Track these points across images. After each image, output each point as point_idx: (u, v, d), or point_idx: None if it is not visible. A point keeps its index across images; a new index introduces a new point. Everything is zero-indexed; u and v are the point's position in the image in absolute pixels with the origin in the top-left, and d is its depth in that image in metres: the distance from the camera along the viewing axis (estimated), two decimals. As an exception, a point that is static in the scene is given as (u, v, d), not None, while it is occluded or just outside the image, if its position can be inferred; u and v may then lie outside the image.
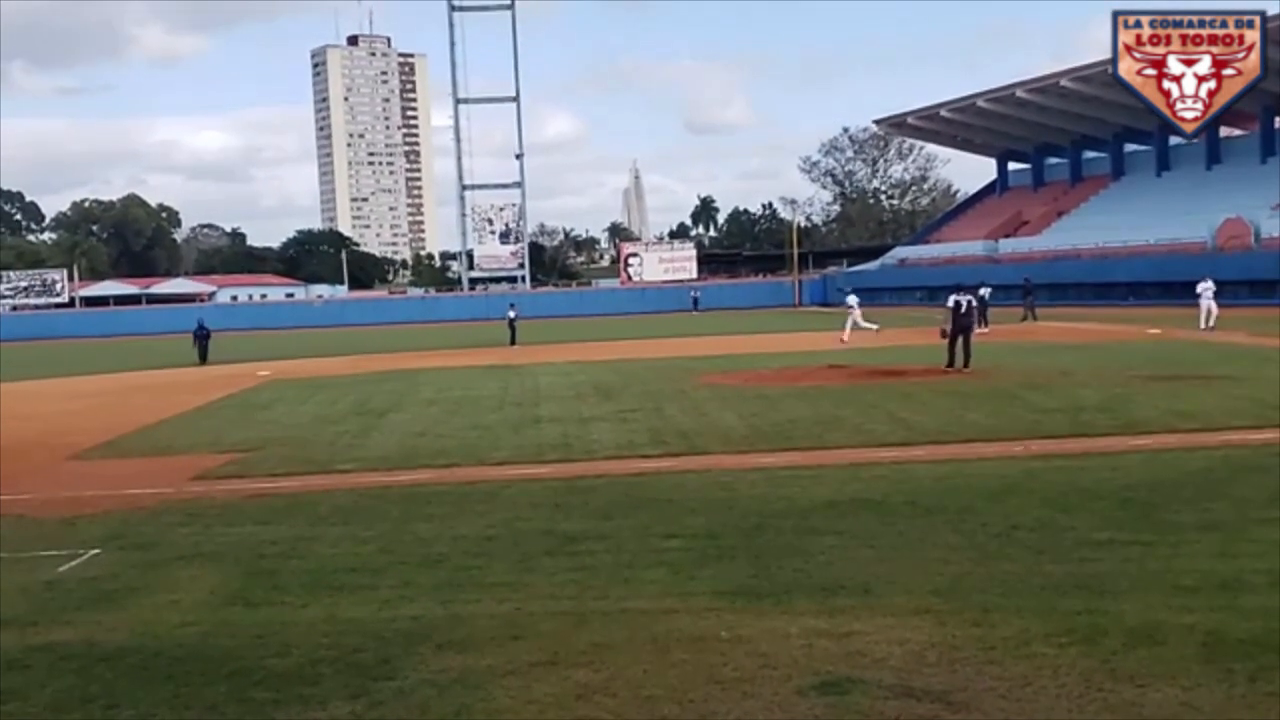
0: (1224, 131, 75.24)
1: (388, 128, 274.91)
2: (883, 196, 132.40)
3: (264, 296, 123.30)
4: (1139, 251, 67.30)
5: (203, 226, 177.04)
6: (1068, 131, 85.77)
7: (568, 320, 76.11)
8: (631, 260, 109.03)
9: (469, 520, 12.18)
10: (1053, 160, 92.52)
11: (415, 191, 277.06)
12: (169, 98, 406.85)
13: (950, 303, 27.95)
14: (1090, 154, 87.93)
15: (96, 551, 11.35)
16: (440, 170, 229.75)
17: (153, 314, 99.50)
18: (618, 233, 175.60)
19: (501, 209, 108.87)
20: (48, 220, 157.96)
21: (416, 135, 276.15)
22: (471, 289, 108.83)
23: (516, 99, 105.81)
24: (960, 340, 27.50)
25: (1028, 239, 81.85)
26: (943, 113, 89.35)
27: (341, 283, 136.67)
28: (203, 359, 43.24)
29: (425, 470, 15.80)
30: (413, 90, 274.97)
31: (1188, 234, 65.22)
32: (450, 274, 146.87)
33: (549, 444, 17.84)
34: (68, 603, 9.53)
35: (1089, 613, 7.98)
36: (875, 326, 42.55)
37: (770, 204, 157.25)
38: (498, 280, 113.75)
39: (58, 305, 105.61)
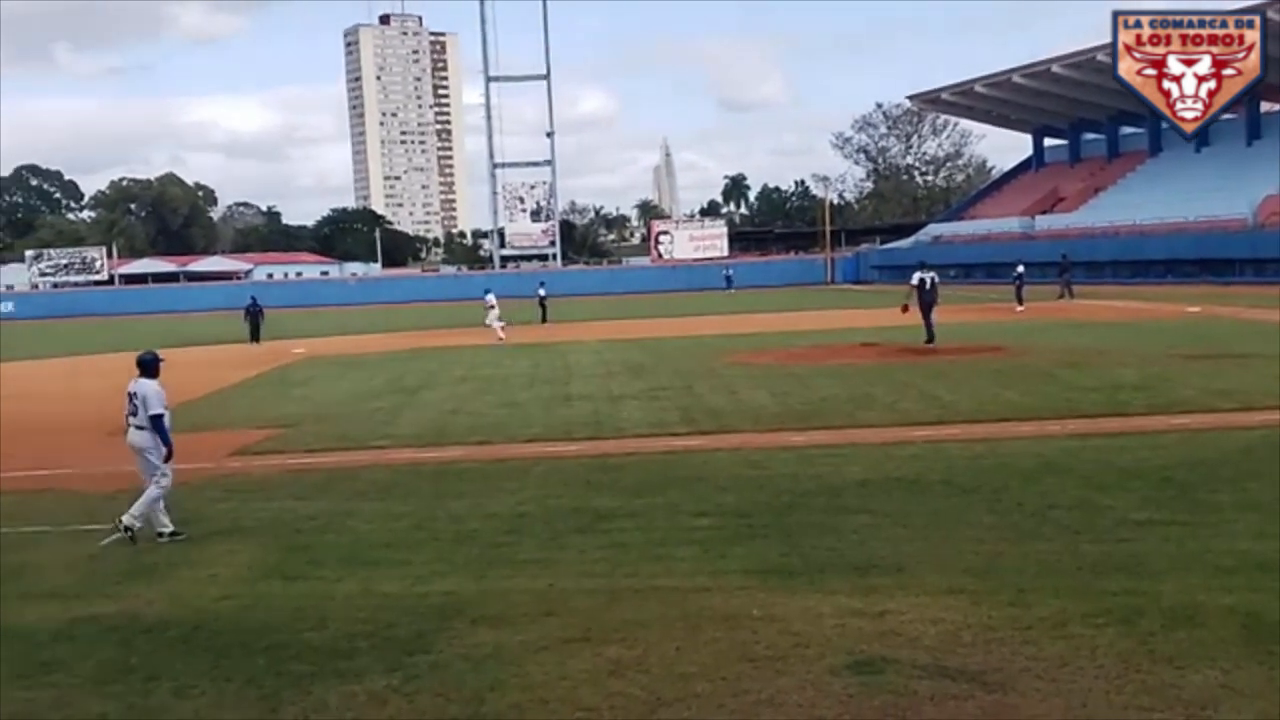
0: (1265, 107, 74.16)
1: (420, 106, 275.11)
2: (916, 173, 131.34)
3: (299, 275, 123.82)
4: (1177, 228, 66.51)
5: (239, 205, 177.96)
6: (1105, 107, 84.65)
7: (598, 298, 76.09)
8: (662, 238, 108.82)
9: (501, 497, 12.24)
10: (1090, 136, 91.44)
11: (447, 170, 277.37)
12: (207, 77, 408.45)
13: (914, 280, 29.43)
14: (1128, 130, 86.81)
15: (138, 526, 11.47)
16: (472, 148, 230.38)
17: (190, 292, 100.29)
18: (648, 211, 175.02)
19: (533, 187, 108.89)
20: (86, 199, 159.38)
21: (448, 114, 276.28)
22: (503, 267, 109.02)
23: (547, 76, 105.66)
24: (924, 315, 28.70)
25: (1064, 216, 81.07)
26: (977, 88, 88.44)
27: (375, 261, 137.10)
28: (254, 337, 42.09)
29: (457, 447, 15.88)
30: (444, 69, 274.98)
31: (1227, 211, 64.40)
32: (482, 252, 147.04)
33: (580, 422, 17.87)
34: (109, 576, 9.67)
35: (1127, 593, 7.94)
36: (501, 325, 39.63)
37: (802, 181, 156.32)
38: (529, 258, 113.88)
39: (97, 283, 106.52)
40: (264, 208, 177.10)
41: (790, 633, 7.41)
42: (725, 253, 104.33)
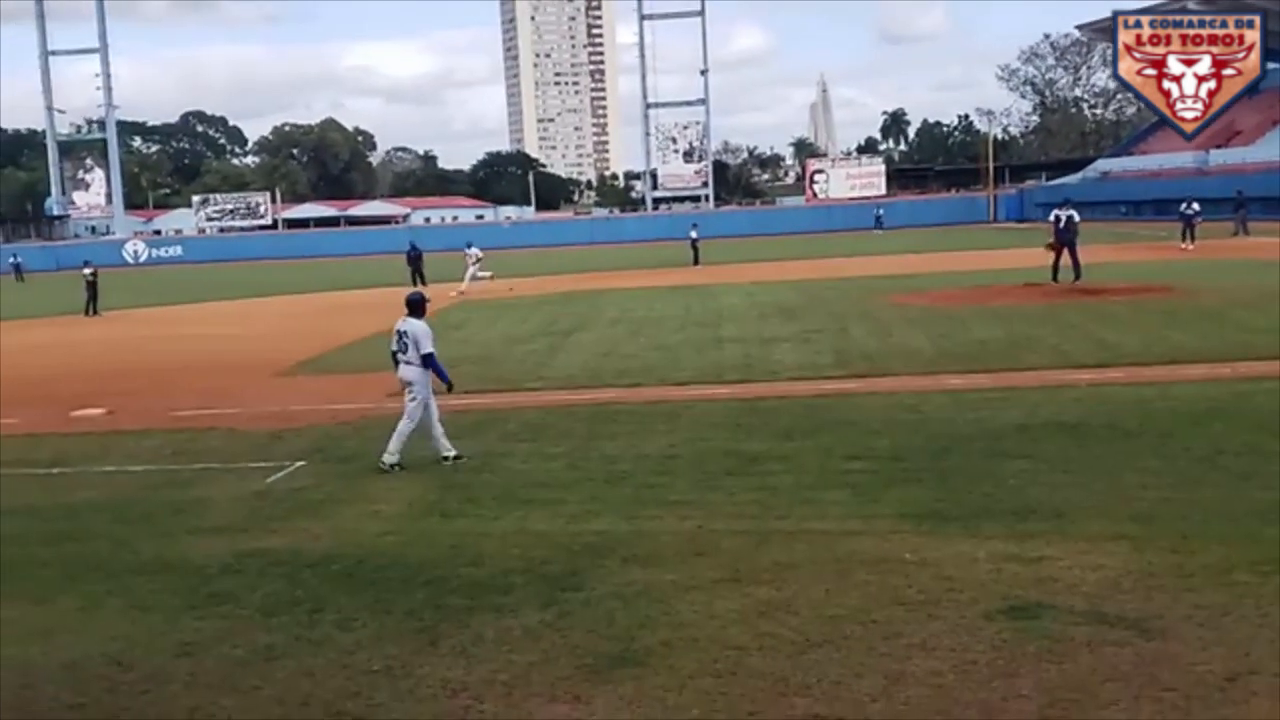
0: None
1: (573, 47, 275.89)
2: (1085, 106, 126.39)
3: (455, 218, 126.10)
4: (1365, 161, 62.74)
5: (397, 149, 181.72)
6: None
7: (751, 239, 75.60)
8: (817, 177, 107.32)
9: (652, 439, 12.32)
10: (1271, 65, 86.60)
11: (600, 111, 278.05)
12: (366, 23, 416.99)
13: (1051, 217, 29.07)
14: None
15: (302, 463, 11.93)
16: (625, 89, 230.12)
17: (351, 236, 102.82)
18: (804, 149, 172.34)
19: (685, 127, 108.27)
20: (250, 144, 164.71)
21: (602, 54, 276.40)
22: (655, 209, 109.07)
23: (701, 13, 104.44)
24: (1068, 253, 27.98)
25: (1240, 149, 77.04)
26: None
27: (529, 204, 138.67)
28: (418, 280, 41.10)
29: (610, 389, 16.02)
30: (598, 8, 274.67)
31: None
32: (634, 194, 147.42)
33: (731, 364, 17.84)
34: (275, 512, 10.06)
35: (1296, 541, 7.60)
36: (489, 275, 39.57)
37: (965, 116, 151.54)
38: (681, 200, 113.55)
39: (261, 227, 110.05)
40: (421, 152, 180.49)
41: (943, 577, 7.31)
42: (883, 191, 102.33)
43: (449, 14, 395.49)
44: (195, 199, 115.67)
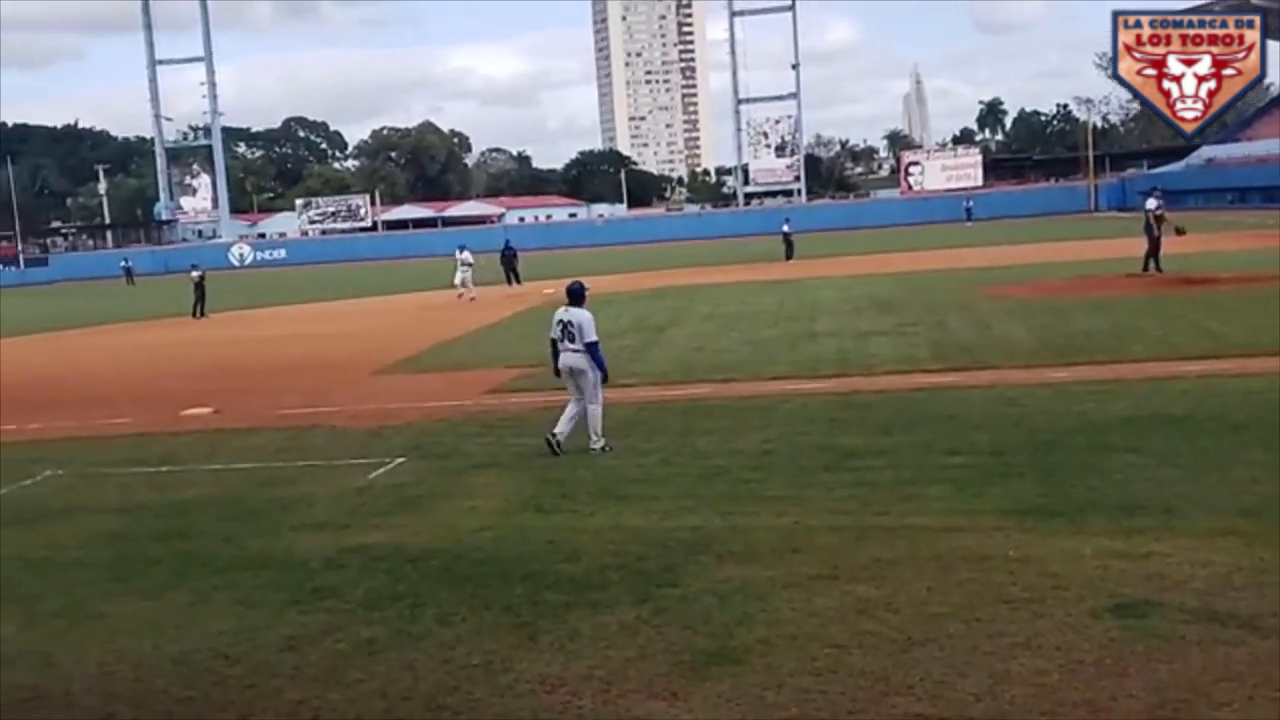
0: None
1: (664, 45, 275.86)
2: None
3: (549, 217, 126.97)
4: None
5: (492, 150, 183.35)
6: (1405, 11, 77.10)
7: (844, 233, 74.92)
8: (912, 169, 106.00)
9: (747, 434, 12.26)
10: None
11: (691, 108, 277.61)
12: (463, 27, 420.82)
13: (1148, 205, 28.99)
14: None
15: (401, 460, 12.09)
16: (716, 85, 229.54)
17: (448, 236, 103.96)
18: (897, 141, 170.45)
19: (777, 122, 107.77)
20: (350, 148, 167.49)
21: (692, 51, 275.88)
22: (747, 204, 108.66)
23: (792, 7, 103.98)
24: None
25: (1353, 133, 74.52)
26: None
27: (621, 201, 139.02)
28: (513, 279, 42.00)
29: (703, 385, 15.99)
30: (688, 5, 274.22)
31: None
32: (725, 189, 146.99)
33: (826, 359, 17.70)
34: (376, 508, 10.21)
35: None
36: (472, 292, 36.88)
37: (1064, 105, 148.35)
38: (773, 194, 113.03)
39: (362, 229, 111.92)
40: (515, 152, 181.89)
41: (1048, 574, 7.16)
42: (979, 182, 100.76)
43: (543, 16, 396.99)
44: (298, 202, 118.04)
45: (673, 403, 14.69)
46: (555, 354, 12.14)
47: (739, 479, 10.30)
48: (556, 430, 11.86)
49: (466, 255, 38.37)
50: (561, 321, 12.07)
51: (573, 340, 11.95)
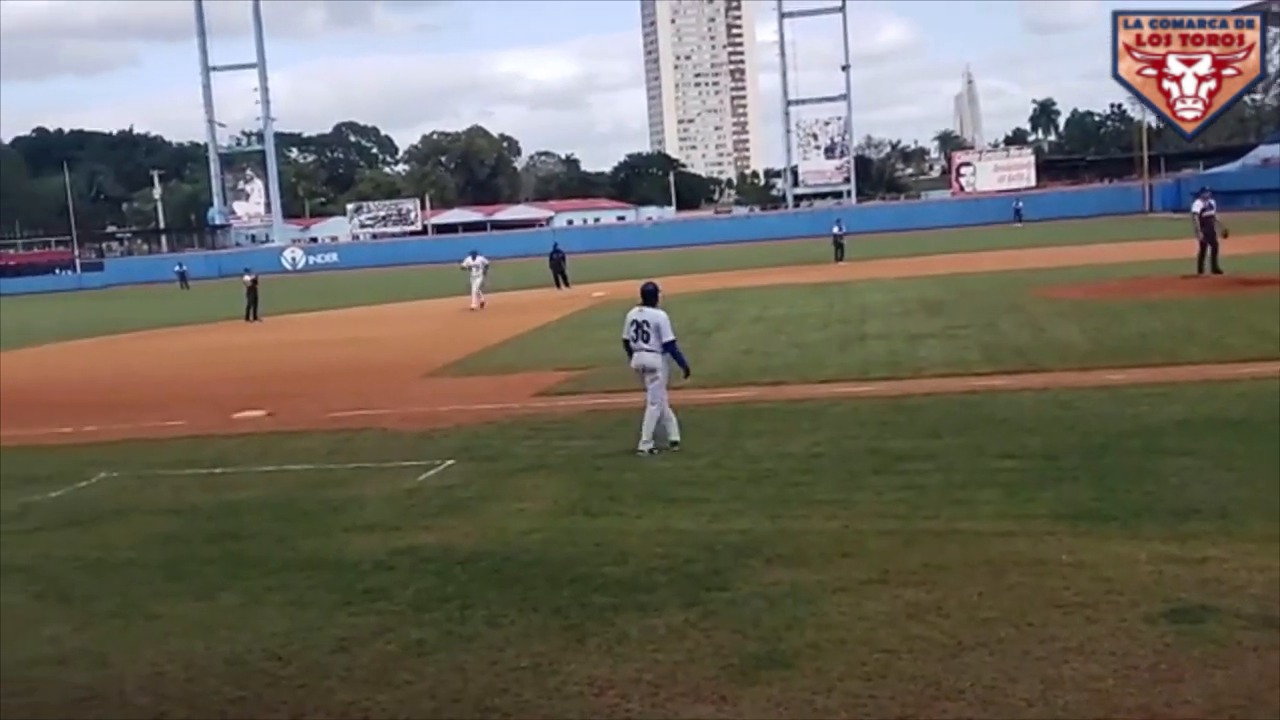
0: None
1: (713, 47, 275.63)
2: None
3: (597, 220, 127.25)
4: None
5: (541, 154, 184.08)
6: None
7: (894, 234, 74.43)
8: (964, 170, 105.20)
9: (796, 437, 12.21)
10: None
11: (740, 110, 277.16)
12: (512, 31, 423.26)
13: (1198, 207, 28.32)
14: None
15: (450, 462, 12.15)
16: (765, 87, 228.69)
17: (496, 239, 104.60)
18: (949, 142, 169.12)
19: (827, 123, 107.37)
20: (400, 153, 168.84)
21: (742, 53, 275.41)
22: (796, 206, 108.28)
23: (842, 9, 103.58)
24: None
25: None
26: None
27: (669, 204, 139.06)
28: (561, 282, 42.24)
29: (751, 387, 15.94)
30: (738, 7, 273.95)
31: None
32: (774, 191, 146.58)
33: (875, 361, 17.59)
34: (426, 509, 10.26)
35: None
36: (479, 302, 35.51)
37: (1118, 105, 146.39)
38: (822, 196, 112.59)
39: (412, 233, 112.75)
40: (564, 156, 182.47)
41: (1102, 579, 7.07)
42: (1032, 183, 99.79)
43: (592, 20, 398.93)
44: (349, 207, 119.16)
45: (721, 405, 14.66)
46: (630, 354, 12.25)
47: (788, 482, 10.26)
48: (667, 429, 11.99)
49: (480, 260, 36.61)
50: (635, 322, 12.17)
51: (647, 340, 12.07)
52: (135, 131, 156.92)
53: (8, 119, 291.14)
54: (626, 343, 12.27)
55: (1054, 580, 7.13)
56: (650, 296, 12.35)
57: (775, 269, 44.95)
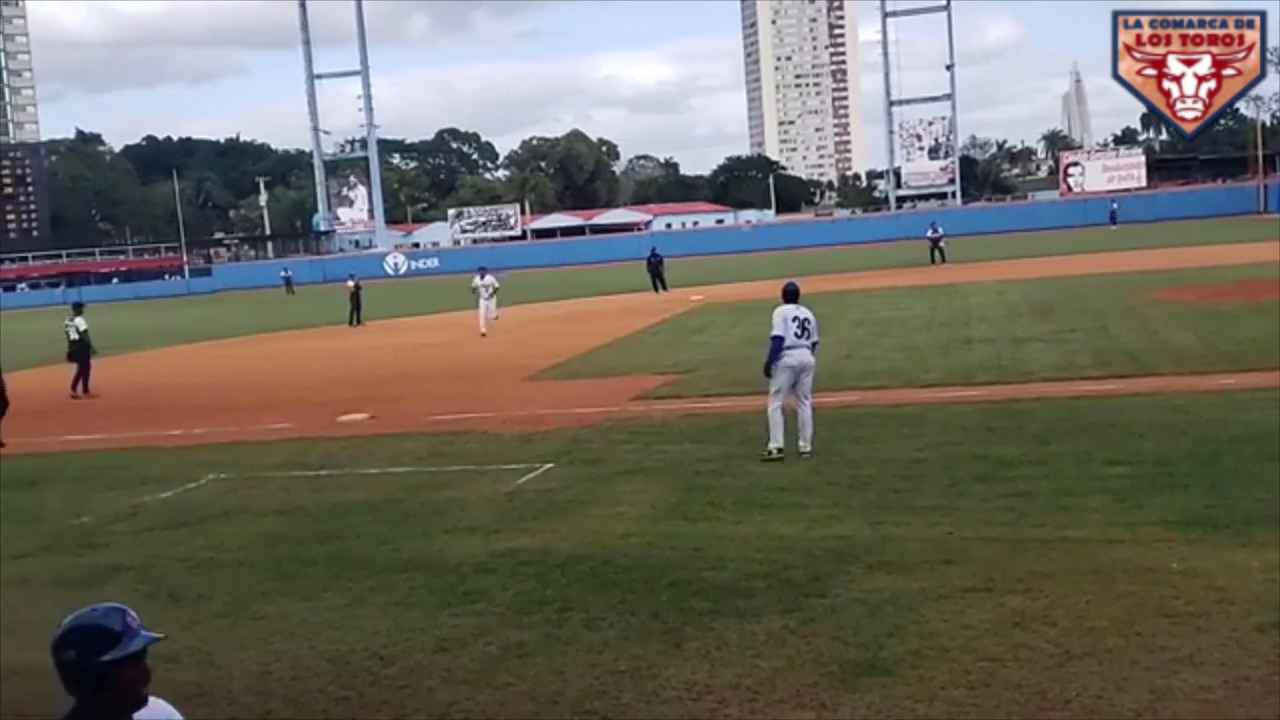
0: None
1: (814, 48, 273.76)
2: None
3: (695, 224, 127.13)
4: None
5: (639, 158, 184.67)
6: None
7: (999, 236, 73.14)
8: (1071, 170, 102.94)
9: (897, 443, 12.06)
10: None
11: (842, 111, 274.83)
12: (612, 35, 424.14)
13: None
14: None
15: (550, 465, 12.23)
16: (868, 87, 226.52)
17: (595, 244, 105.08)
18: (1056, 142, 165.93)
19: (930, 123, 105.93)
20: (500, 159, 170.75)
21: (843, 53, 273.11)
22: (899, 207, 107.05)
23: (947, 7, 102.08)
24: None
25: None
26: None
27: (769, 207, 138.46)
28: (659, 286, 41.95)
29: (852, 392, 15.78)
30: (840, 7, 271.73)
31: None
32: (877, 193, 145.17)
33: (980, 365, 17.31)
34: (526, 512, 10.34)
35: None
36: (494, 316, 32.13)
37: (1231, 102, 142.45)
38: (925, 198, 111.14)
39: (512, 238, 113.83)
40: (663, 159, 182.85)
41: (1213, 588, 6.88)
42: (1143, 183, 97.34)
43: (692, 23, 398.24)
44: (450, 212, 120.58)
45: (820, 410, 14.48)
46: (775, 352, 11.91)
47: (889, 488, 10.13)
48: (800, 445, 11.72)
49: (489, 279, 32.93)
50: (799, 319, 12.06)
51: (808, 337, 12.02)
52: (242, 139, 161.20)
53: (119, 128, 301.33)
54: (778, 340, 11.89)
55: (1163, 589, 6.95)
56: (795, 295, 12.36)
57: (878, 271, 44.44)
